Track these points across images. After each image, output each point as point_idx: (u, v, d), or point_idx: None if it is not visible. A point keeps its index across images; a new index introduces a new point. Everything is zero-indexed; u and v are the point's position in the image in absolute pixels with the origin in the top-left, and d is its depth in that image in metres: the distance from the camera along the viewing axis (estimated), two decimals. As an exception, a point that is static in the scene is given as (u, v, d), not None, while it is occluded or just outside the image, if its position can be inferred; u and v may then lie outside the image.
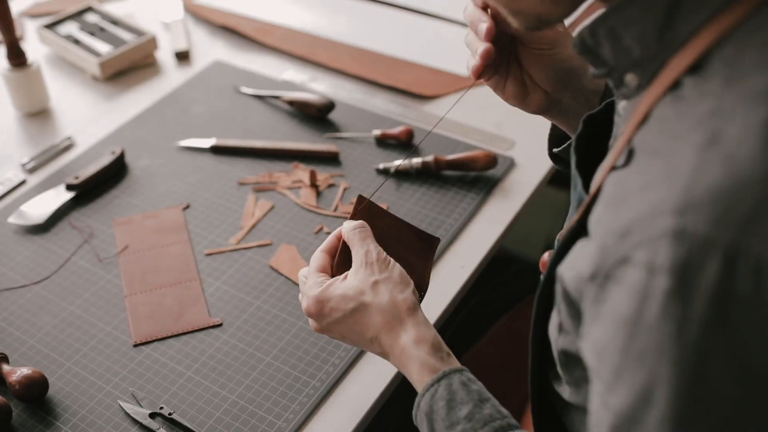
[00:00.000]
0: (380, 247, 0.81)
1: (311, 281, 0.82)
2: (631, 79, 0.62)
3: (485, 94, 1.41)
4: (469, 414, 0.72)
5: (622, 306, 0.52)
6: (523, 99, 0.86)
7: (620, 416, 0.53)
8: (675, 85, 0.56)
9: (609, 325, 0.54)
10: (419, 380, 0.77)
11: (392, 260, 0.81)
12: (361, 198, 0.86)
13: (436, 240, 0.88)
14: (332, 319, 0.80)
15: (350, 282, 0.80)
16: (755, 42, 0.52)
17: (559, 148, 0.89)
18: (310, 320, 0.83)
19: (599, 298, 0.55)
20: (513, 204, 1.19)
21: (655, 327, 0.49)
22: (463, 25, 1.58)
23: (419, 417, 0.76)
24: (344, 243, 0.84)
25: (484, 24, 0.79)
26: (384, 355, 0.80)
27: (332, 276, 0.83)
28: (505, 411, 0.74)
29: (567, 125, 0.88)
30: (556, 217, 1.37)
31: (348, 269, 0.82)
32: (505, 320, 1.30)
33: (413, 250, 0.86)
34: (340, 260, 0.84)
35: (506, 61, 0.85)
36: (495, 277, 1.35)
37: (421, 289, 0.84)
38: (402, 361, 0.78)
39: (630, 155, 0.58)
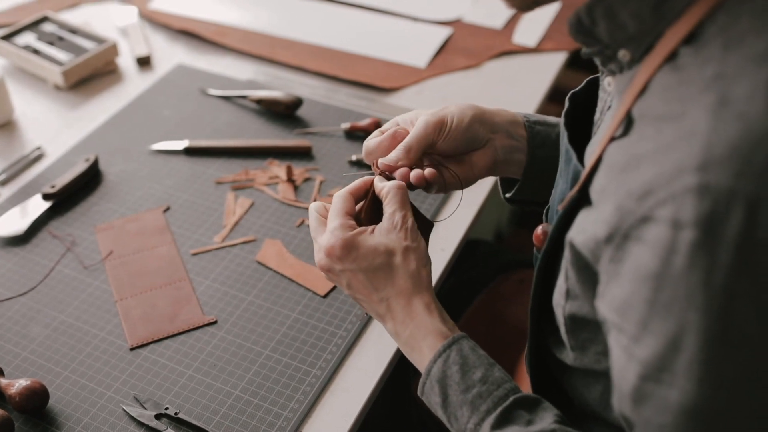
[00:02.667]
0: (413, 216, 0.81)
1: (339, 222, 0.80)
2: (623, 54, 0.65)
3: (443, 84, 1.45)
4: (483, 376, 0.75)
5: (645, 261, 0.55)
6: (467, 183, 0.91)
7: (649, 365, 0.56)
8: (672, 56, 0.59)
9: (632, 281, 0.57)
10: (429, 347, 0.78)
11: (420, 235, 0.81)
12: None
13: (432, 222, 0.89)
14: (353, 266, 0.79)
15: (381, 239, 0.79)
16: (747, 9, 0.56)
17: (510, 193, 0.94)
18: (323, 259, 0.81)
19: (617, 257, 0.58)
20: (483, 187, 1.23)
21: (682, 278, 0.53)
22: (414, 18, 1.62)
23: (429, 384, 0.77)
24: (374, 196, 0.83)
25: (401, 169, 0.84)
26: (383, 317, 0.81)
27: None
28: (508, 375, 0.77)
29: (514, 172, 0.92)
30: (502, 205, 1.41)
31: (374, 222, 0.81)
32: (480, 300, 1.34)
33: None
34: (368, 211, 0.83)
35: (439, 177, 0.88)
36: (467, 259, 1.38)
37: None
38: (409, 328, 0.79)
39: (629, 125, 0.62)
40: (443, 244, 1.14)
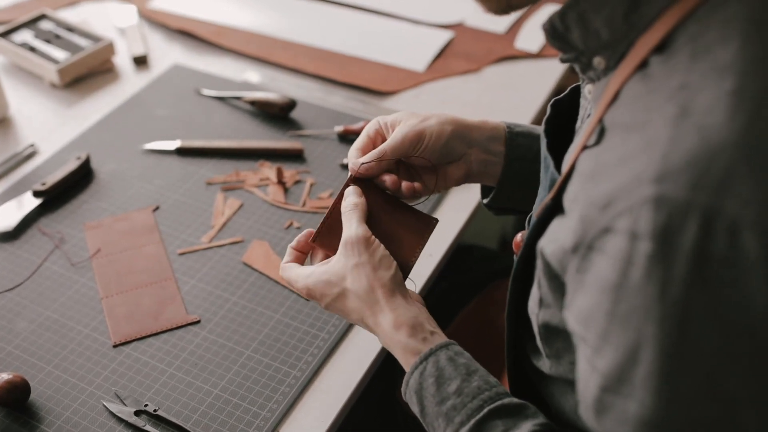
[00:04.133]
0: (363, 226, 0.82)
1: (294, 272, 0.85)
2: (598, 62, 0.65)
3: (441, 88, 1.45)
4: (458, 389, 0.74)
5: (606, 273, 0.55)
6: (438, 191, 0.93)
7: (608, 376, 0.57)
8: (643, 65, 0.59)
9: (594, 292, 0.57)
10: (405, 361, 0.79)
11: (376, 241, 0.82)
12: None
13: (434, 220, 0.88)
14: (324, 303, 0.83)
15: (333, 266, 0.82)
16: (717, 19, 0.56)
17: (487, 199, 0.95)
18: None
19: (582, 267, 0.59)
20: (474, 193, 1.23)
21: (639, 289, 0.53)
22: (414, 21, 1.62)
23: (408, 394, 0.78)
24: (336, 209, 0.85)
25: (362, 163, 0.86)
26: (373, 333, 0.83)
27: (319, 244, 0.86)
28: (493, 380, 0.76)
29: (489, 181, 0.94)
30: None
31: (335, 237, 0.84)
32: (473, 305, 1.34)
33: (408, 228, 0.86)
34: (327, 225, 0.86)
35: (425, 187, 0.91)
36: (460, 264, 1.38)
37: (407, 264, 0.85)
38: (386, 342, 0.81)
39: (602, 133, 0.62)
40: (431, 250, 1.14)
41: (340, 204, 0.85)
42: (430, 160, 0.88)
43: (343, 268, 0.81)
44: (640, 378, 0.54)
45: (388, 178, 0.86)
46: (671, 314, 0.52)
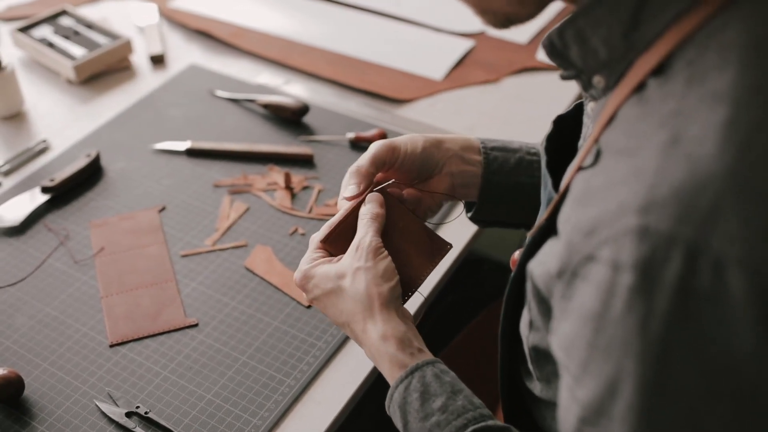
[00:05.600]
0: (378, 237, 0.81)
1: (306, 254, 0.84)
2: (598, 80, 0.64)
3: (458, 98, 1.44)
4: (442, 406, 0.73)
5: (588, 302, 0.54)
6: (431, 211, 0.93)
7: (587, 408, 0.55)
8: (640, 87, 0.58)
9: (576, 321, 0.55)
10: (390, 374, 0.78)
11: (385, 252, 0.80)
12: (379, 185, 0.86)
13: (448, 245, 0.87)
14: (313, 295, 0.82)
15: (337, 264, 0.81)
16: (714, 44, 0.54)
17: (470, 213, 0.94)
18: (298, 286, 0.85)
19: (567, 294, 0.57)
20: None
21: (620, 321, 0.51)
22: (436, 29, 1.61)
23: (392, 408, 0.77)
24: (352, 216, 0.84)
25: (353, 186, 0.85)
26: (356, 341, 0.81)
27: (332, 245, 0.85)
28: (477, 401, 0.75)
29: (475, 195, 0.93)
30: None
31: (346, 242, 0.83)
32: (480, 319, 1.32)
33: (419, 248, 0.85)
34: (340, 229, 0.84)
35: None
36: (469, 277, 1.37)
37: (411, 286, 0.84)
38: (371, 353, 0.79)
39: (597, 155, 0.60)
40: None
41: (358, 209, 0.84)
42: (413, 173, 0.88)
43: (346, 267, 0.80)
44: (618, 412, 0.53)
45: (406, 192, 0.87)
46: (651, 349, 0.51)
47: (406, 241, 0.85)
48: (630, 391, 0.52)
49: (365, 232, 0.81)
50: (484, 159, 0.89)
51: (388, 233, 0.84)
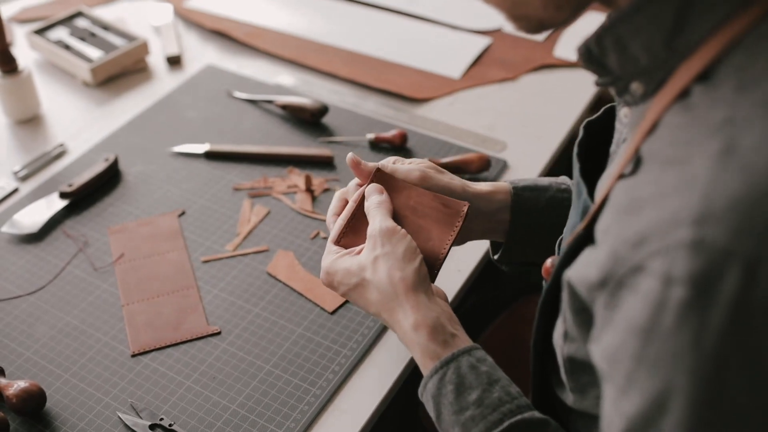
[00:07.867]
0: (388, 219, 0.81)
1: (326, 250, 0.85)
2: (636, 87, 0.61)
3: (476, 97, 1.42)
4: (478, 399, 0.73)
5: (635, 313, 0.52)
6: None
7: (632, 421, 0.53)
8: (683, 94, 0.56)
9: (622, 331, 0.54)
10: (423, 364, 0.78)
11: (400, 233, 0.80)
12: (379, 171, 0.87)
13: (464, 205, 0.84)
14: (341, 291, 0.83)
15: (357, 257, 0.81)
16: (765, 49, 0.52)
17: (496, 255, 0.95)
18: (324, 281, 0.85)
19: (611, 304, 0.55)
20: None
21: (670, 336, 0.49)
22: (452, 26, 1.59)
23: (425, 397, 0.77)
24: (359, 210, 0.85)
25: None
26: (391, 329, 0.82)
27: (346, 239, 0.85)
28: (515, 391, 0.74)
29: (495, 239, 0.94)
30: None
31: (360, 236, 0.84)
32: (502, 320, 1.31)
33: (437, 219, 0.84)
34: (350, 226, 0.85)
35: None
36: (490, 279, 1.35)
37: (436, 259, 0.82)
38: (404, 341, 0.79)
39: (638, 163, 0.58)
40: (460, 266, 1.11)
41: (362, 203, 0.85)
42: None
43: (366, 259, 0.80)
44: (667, 427, 0.51)
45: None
46: (705, 366, 0.49)
47: (422, 217, 0.84)
48: (680, 407, 0.50)
49: (374, 221, 0.82)
50: (515, 201, 0.89)
51: (402, 214, 0.84)
